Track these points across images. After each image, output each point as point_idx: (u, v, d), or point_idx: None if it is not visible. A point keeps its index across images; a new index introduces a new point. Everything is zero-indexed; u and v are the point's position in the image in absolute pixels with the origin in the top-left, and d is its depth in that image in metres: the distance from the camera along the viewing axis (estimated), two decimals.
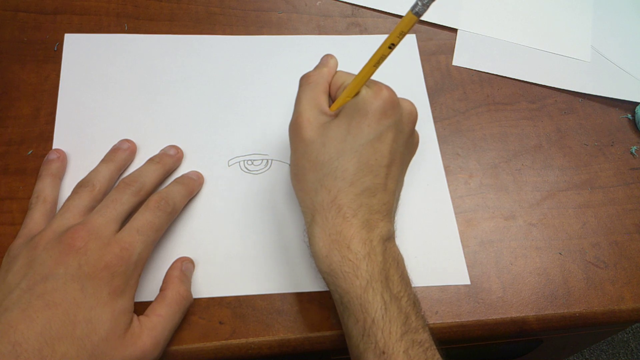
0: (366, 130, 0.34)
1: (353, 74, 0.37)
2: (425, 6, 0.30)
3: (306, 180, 0.34)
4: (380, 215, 0.34)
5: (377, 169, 0.34)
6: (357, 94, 0.35)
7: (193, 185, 0.41)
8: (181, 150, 0.43)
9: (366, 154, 0.34)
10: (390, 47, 0.33)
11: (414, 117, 0.37)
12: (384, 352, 0.30)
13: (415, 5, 0.30)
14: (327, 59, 0.39)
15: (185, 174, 0.41)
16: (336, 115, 0.35)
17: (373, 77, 0.35)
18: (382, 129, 0.34)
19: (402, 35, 0.32)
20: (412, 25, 0.31)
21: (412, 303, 0.32)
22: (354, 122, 0.34)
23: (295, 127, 0.35)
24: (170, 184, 0.40)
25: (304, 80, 0.37)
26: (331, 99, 0.38)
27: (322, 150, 0.34)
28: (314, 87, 0.36)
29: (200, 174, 0.42)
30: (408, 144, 0.37)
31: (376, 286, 0.31)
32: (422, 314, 0.33)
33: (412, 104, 0.37)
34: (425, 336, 0.31)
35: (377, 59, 0.33)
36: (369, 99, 0.34)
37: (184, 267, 0.37)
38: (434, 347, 0.32)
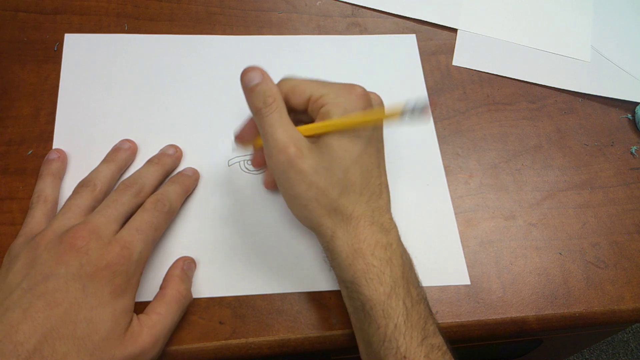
0: (358, 142, 0.34)
1: (316, 82, 0.35)
2: (416, 117, 0.31)
3: (321, 206, 0.34)
4: (389, 215, 0.35)
5: (374, 171, 0.35)
6: None
7: (189, 183, 0.40)
8: (180, 150, 0.42)
9: (364, 161, 0.34)
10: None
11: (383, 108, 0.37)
12: (405, 357, 0.31)
13: (406, 110, 0.31)
14: (260, 76, 0.35)
15: (180, 171, 0.41)
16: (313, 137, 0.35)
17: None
18: (368, 134, 0.35)
19: (380, 122, 0.34)
20: (395, 120, 0.33)
21: (427, 306, 0.33)
22: (345, 138, 0.34)
23: (289, 159, 0.33)
24: (165, 183, 0.40)
25: (267, 110, 0.34)
26: (294, 109, 0.36)
27: (328, 174, 0.33)
28: (280, 113, 0.34)
29: (196, 170, 0.42)
30: (381, 135, 0.37)
31: (399, 292, 0.32)
32: (433, 315, 0.34)
33: (378, 96, 0.37)
34: (441, 339, 0.32)
35: (359, 123, 0.34)
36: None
37: (186, 267, 0.37)
38: (448, 351, 0.32)
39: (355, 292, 0.33)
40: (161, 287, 0.36)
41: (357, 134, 0.34)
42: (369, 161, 0.35)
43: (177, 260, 0.38)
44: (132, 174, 0.39)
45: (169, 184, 0.40)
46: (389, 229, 0.34)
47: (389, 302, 0.32)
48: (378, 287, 0.32)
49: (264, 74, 0.35)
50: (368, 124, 0.34)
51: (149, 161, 0.41)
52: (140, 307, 0.35)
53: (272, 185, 0.41)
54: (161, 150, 0.42)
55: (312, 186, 0.34)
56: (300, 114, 0.36)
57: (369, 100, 0.35)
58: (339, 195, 0.34)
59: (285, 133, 0.34)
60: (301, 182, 0.33)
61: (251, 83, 0.35)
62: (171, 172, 0.42)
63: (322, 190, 0.34)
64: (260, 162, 0.40)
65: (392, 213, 0.36)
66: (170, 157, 0.41)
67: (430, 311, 0.33)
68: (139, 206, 0.37)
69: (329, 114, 0.34)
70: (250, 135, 0.38)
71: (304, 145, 0.34)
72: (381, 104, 0.37)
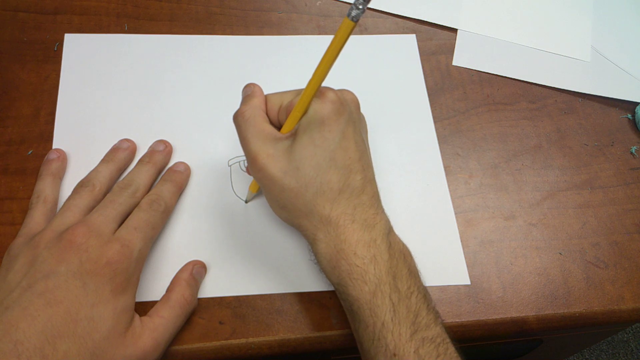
0: (330, 136, 0.33)
1: (288, 92, 0.36)
2: (362, 10, 0.29)
3: (297, 208, 0.34)
4: (373, 210, 0.34)
5: (353, 166, 0.34)
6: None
7: (181, 180, 0.41)
8: (169, 144, 0.42)
9: (339, 157, 0.33)
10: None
11: (357, 103, 0.37)
12: (395, 354, 0.30)
13: (351, 10, 0.29)
14: (251, 88, 0.37)
15: (171, 167, 0.41)
16: (292, 135, 0.35)
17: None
18: (342, 128, 0.34)
19: (344, 44, 0.31)
20: (351, 32, 0.30)
21: (422, 298, 0.33)
22: (315, 134, 0.33)
23: (259, 168, 0.34)
24: (158, 182, 0.40)
25: (240, 119, 0.35)
26: (273, 123, 0.36)
27: (299, 174, 0.33)
28: (253, 121, 0.35)
29: (187, 165, 0.42)
30: (362, 128, 0.37)
31: (384, 289, 0.31)
32: (433, 306, 0.33)
33: (350, 92, 0.37)
34: (436, 330, 0.32)
35: (324, 72, 0.33)
36: (318, 106, 0.34)
37: (195, 271, 0.37)
38: (447, 340, 0.32)
39: (343, 293, 0.33)
40: (167, 290, 0.36)
41: (328, 128, 0.33)
42: (346, 156, 0.34)
43: (187, 264, 0.38)
44: (126, 175, 0.39)
45: (162, 182, 0.40)
46: (373, 224, 0.33)
47: (374, 300, 0.31)
48: (363, 286, 0.32)
49: (254, 87, 0.37)
50: (332, 59, 0.32)
51: (141, 161, 0.41)
52: (138, 307, 0.35)
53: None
54: (150, 147, 0.42)
55: (285, 189, 0.34)
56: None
57: (337, 96, 0.35)
58: (314, 195, 0.33)
59: (256, 142, 0.34)
60: (274, 186, 0.34)
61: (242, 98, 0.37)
62: (163, 168, 0.42)
63: (295, 192, 0.33)
64: None
65: (383, 207, 0.35)
66: (161, 154, 0.41)
67: (426, 301, 0.33)
68: (135, 206, 0.37)
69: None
70: None
71: (279, 149, 0.34)
72: (355, 99, 0.37)
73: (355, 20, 0.29)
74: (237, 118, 0.36)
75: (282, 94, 0.36)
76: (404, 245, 0.35)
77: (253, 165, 0.34)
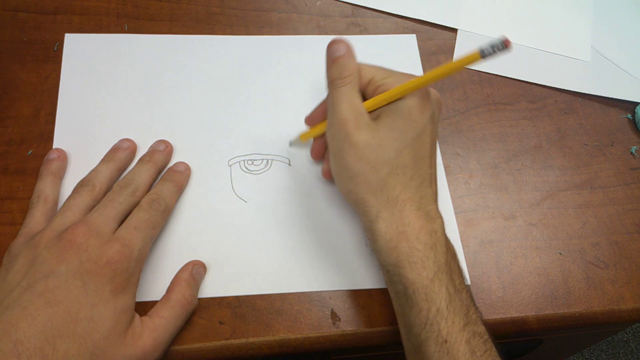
0: (413, 126, 0.35)
1: (381, 68, 0.37)
2: (498, 53, 0.31)
3: (368, 182, 0.34)
4: (435, 206, 0.35)
5: (426, 160, 0.35)
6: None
7: (181, 180, 0.41)
8: (170, 144, 0.42)
9: (418, 147, 0.35)
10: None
11: (440, 104, 0.38)
12: (446, 341, 0.31)
13: (487, 51, 0.31)
14: (342, 47, 0.36)
15: (171, 167, 0.41)
16: (375, 115, 0.36)
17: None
18: (425, 122, 0.35)
19: (464, 67, 0.33)
20: (474, 62, 0.32)
21: (469, 296, 0.34)
22: (400, 119, 0.35)
23: (347, 132, 0.35)
24: (158, 182, 0.40)
25: (341, 82, 0.36)
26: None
27: (380, 151, 0.34)
28: (351, 87, 0.36)
29: (187, 165, 0.42)
30: (437, 129, 0.38)
31: (442, 277, 0.32)
32: (476, 306, 0.34)
33: (436, 92, 0.38)
34: (483, 328, 0.33)
35: (434, 79, 0.34)
36: (410, 95, 0.35)
37: (195, 271, 0.37)
38: (490, 339, 0.33)
39: (397, 275, 0.33)
40: (167, 290, 0.36)
41: (414, 118, 0.35)
42: (422, 148, 0.35)
43: (187, 264, 0.38)
44: (127, 174, 0.39)
45: (162, 182, 0.40)
46: (435, 218, 0.34)
47: (431, 286, 0.32)
48: (421, 271, 0.32)
49: (348, 48, 0.37)
50: (447, 73, 0.34)
51: (141, 160, 0.41)
52: (138, 307, 0.35)
53: (330, 175, 0.40)
54: (151, 147, 0.42)
55: (362, 160, 0.34)
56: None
57: (427, 90, 0.36)
58: (388, 174, 0.34)
59: (349, 107, 0.35)
60: (352, 154, 0.35)
61: (335, 54, 0.36)
62: (164, 168, 0.42)
63: (371, 165, 0.34)
64: (318, 152, 0.42)
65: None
66: (161, 154, 0.41)
67: (473, 301, 0.34)
68: (135, 205, 0.37)
69: (391, 87, 0.35)
70: (320, 118, 0.39)
71: (364, 120, 0.35)
72: (440, 101, 0.38)
73: (483, 56, 0.31)
74: (338, 81, 0.36)
75: (375, 68, 0.37)
76: (453, 246, 0.35)
77: (340, 129, 0.35)
